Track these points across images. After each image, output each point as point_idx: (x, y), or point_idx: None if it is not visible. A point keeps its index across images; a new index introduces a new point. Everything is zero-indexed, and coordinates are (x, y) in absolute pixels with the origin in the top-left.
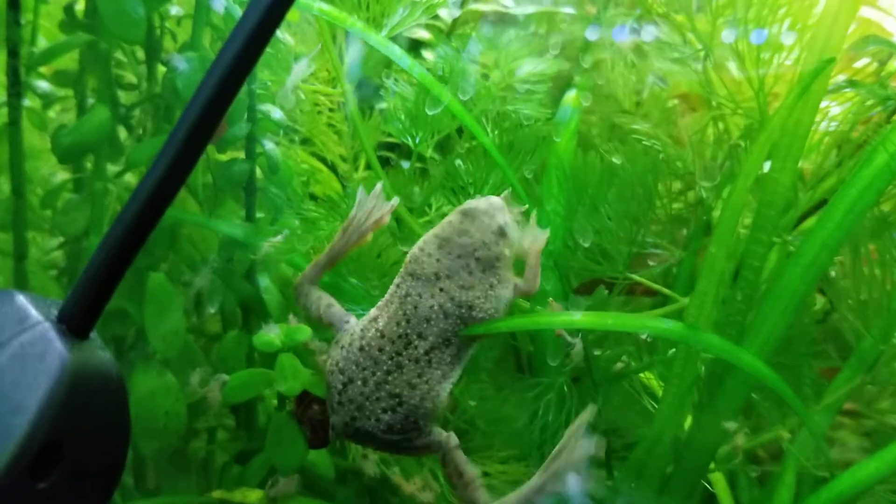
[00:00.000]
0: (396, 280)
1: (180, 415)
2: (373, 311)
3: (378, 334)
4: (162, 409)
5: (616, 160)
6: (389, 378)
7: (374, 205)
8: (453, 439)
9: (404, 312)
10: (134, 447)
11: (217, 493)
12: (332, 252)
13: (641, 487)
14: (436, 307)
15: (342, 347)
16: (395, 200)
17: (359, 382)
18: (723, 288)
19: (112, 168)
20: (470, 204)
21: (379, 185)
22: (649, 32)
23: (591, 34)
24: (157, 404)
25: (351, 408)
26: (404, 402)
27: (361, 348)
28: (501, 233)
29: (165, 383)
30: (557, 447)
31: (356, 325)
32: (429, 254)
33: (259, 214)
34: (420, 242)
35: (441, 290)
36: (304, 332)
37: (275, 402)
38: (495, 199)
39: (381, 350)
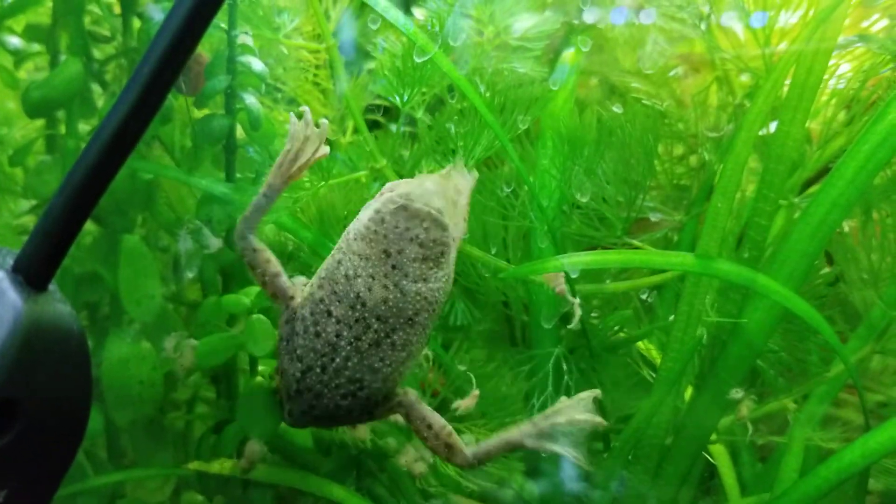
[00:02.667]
0: (336, 256)
1: (156, 384)
2: (316, 291)
3: (333, 320)
4: (136, 378)
5: (616, 109)
6: (349, 364)
7: (309, 134)
8: (412, 394)
9: (357, 295)
10: (108, 417)
11: (194, 465)
12: (271, 191)
13: (638, 460)
14: (391, 286)
15: (297, 334)
16: (325, 123)
17: (317, 370)
18: (727, 249)
19: (85, 126)
20: (420, 178)
21: (307, 113)
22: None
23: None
24: (131, 372)
25: (309, 396)
26: (365, 387)
27: (317, 334)
28: (455, 203)
29: (140, 351)
30: (556, 405)
31: (304, 309)
32: (375, 231)
33: (239, 175)
34: (366, 219)
35: (393, 267)
36: None
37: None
38: (428, 182)
39: (338, 336)
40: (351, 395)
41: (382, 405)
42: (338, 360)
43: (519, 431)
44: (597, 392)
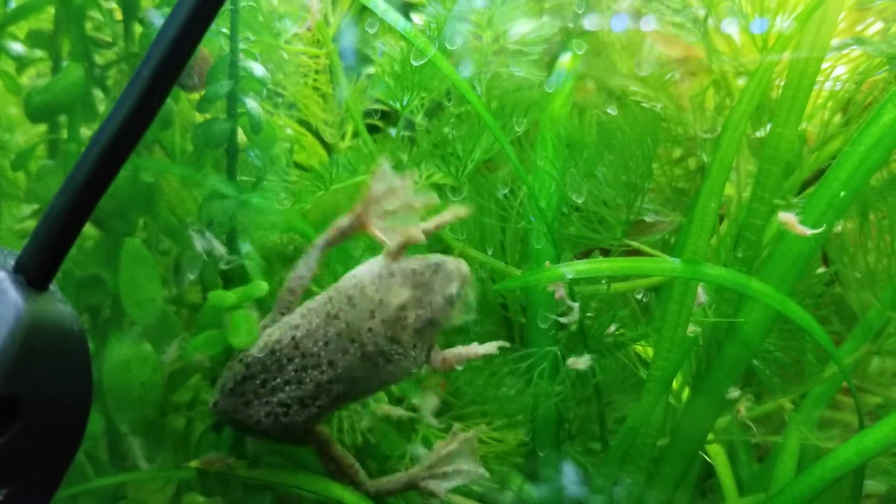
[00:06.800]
0: (330, 293)
1: (157, 385)
2: (294, 317)
3: (293, 344)
4: (137, 380)
5: (611, 111)
6: (287, 388)
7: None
8: (325, 433)
9: (326, 333)
10: (108, 419)
11: (194, 463)
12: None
13: (633, 461)
14: (357, 344)
15: (256, 345)
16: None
17: (258, 381)
18: (725, 249)
19: (87, 131)
20: (439, 259)
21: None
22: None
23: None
24: (132, 374)
25: (240, 400)
26: (290, 415)
27: (273, 352)
28: (451, 302)
29: (141, 353)
30: (444, 448)
31: (275, 327)
32: (376, 289)
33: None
34: (370, 272)
35: (369, 329)
36: (262, 289)
37: None
38: (464, 266)
39: (290, 360)
40: (273, 417)
41: (300, 434)
42: (279, 380)
43: (414, 473)
44: (474, 434)
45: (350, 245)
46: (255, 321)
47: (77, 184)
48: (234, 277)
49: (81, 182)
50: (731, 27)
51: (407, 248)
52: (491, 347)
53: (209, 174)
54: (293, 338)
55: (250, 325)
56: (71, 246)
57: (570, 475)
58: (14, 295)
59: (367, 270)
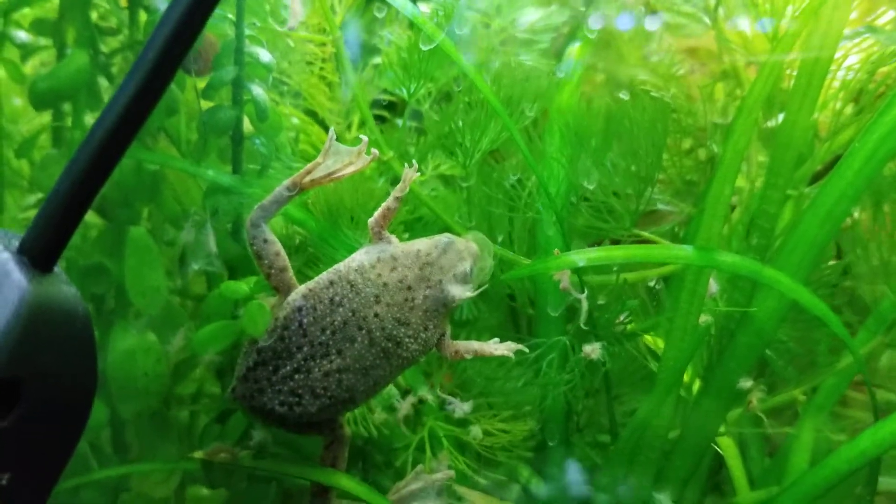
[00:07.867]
0: (330, 276)
1: (161, 376)
2: (297, 299)
3: (301, 332)
4: (141, 370)
5: (623, 95)
6: (297, 377)
7: (350, 156)
8: (346, 433)
9: (332, 321)
10: (112, 410)
11: (198, 454)
12: (294, 188)
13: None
14: (364, 331)
15: (266, 330)
16: (375, 153)
17: (270, 367)
18: (737, 237)
19: (91, 119)
20: (447, 239)
21: (365, 141)
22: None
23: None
24: (136, 364)
25: (254, 387)
26: (303, 404)
27: (282, 338)
28: (464, 279)
29: (145, 343)
30: (412, 481)
31: (280, 312)
32: (378, 273)
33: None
34: (372, 255)
35: (376, 315)
36: None
37: None
38: (473, 245)
39: (299, 348)
40: (287, 406)
41: (314, 426)
42: (289, 367)
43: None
44: (450, 474)
45: (354, 235)
46: (269, 311)
47: (81, 165)
48: (239, 267)
49: (85, 163)
50: (742, 17)
51: (387, 225)
52: (507, 350)
53: (214, 163)
54: (300, 324)
55: (265, 317)
56: (76, 227)
57: (578, 468)
58: (18, 276)
59: (366, 254)
